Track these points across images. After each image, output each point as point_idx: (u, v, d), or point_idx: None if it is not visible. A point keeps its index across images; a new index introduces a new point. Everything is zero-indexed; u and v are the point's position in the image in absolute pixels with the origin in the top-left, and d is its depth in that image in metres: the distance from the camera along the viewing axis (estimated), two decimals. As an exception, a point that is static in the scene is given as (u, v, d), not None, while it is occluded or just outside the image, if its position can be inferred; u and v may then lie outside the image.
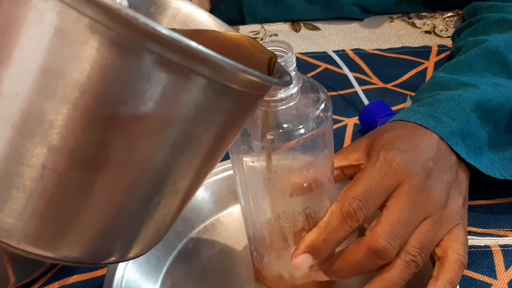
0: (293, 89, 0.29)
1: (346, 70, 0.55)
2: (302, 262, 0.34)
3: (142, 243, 0.25)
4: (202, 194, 0.46)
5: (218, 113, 0.22)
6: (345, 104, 0.57)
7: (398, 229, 0.34)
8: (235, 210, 0.46)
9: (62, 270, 0.43)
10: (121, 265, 0.40)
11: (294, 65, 0.29)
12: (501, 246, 0.40)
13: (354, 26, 0.71)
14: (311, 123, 0.29)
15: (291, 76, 0.26)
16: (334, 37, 0.69)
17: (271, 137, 0.29)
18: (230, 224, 0.45)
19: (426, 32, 0.68)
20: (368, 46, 0.66)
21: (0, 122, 0.20)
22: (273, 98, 0.29)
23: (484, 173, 0.41)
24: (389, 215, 0.34)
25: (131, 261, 0.40)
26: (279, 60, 0.27)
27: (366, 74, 0.61)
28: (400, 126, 0.41)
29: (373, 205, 0.34)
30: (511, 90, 0.43)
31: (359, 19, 0.71)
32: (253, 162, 0.32)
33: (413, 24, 0.70)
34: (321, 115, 0.30)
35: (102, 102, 0.20)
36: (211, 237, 0.44)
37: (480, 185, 0.43)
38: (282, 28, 0.71)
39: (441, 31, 0.68)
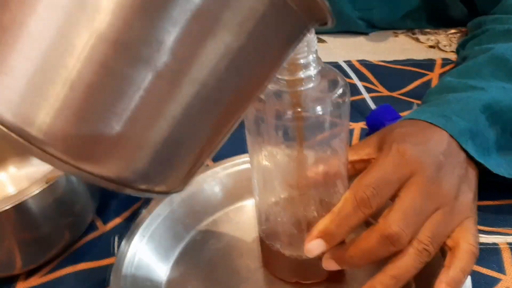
0: (313, 71, 0.30)
1: (353, 76, 0.56)
2: (315, 247, 0.34)
3: (172, 175, 0.25)
4: (211, 188, 0.46)
5: (269, 29, 0.22)
6: (352, 110, 0.57)
7: (411, 217, 0.34)
8: (244, 205, 0.46)
9: (70, 257, 0.43)
10: (130, 254, 0.40)
11: (316, 47, 0.29)
12: (509, 244, 0.40)
13: (360, 39, 0.73)
14: (330, 105, 0.30)
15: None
16: (340, 50, 0.70)
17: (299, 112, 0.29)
18: (239, 218, 0.45)
19: (430, 46, 0.70)
20: (374, 58, 0.67)
21: (56, 8, 0.20)
22: (295, 78, 0.29)
23: (491, 174, 0.42)
24: (402, 204, 0.35)
25: (140, 249, 0.40)
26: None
27: (372, 83, 0.62)
28: (411, 124, 0.41)
29: (386, 194, 0.35)
30: (517, 93, 0.44)
31: (364, 33, 0.73)
32: (270, 148, 0.32)
33: (417, 39, 0.72)
34: (339, 99, 0.31)
35: None
36: (220, 230, 0.44)
37: (487, 186, 0.43)
38: (289, 39, 0.73)
39: (444, 46, 0.69)
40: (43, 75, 0.21)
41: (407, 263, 0.34)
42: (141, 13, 0.20)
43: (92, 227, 0.45)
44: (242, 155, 0.47)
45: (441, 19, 0.74)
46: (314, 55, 0.30)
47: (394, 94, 0.60)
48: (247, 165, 0.46)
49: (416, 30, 0.73)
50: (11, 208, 0.37)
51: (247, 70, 0.23)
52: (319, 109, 0.30)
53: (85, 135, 0.21)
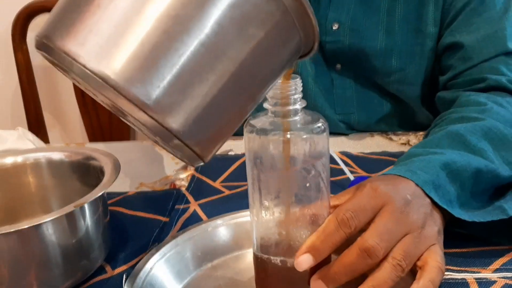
0: (299, 106, 0.39)
1: (335, 156, 0.65)
2: (304, 261, 0.40)
3: (205, 136, 0.32)
4: (212, 237, 0.52)
5: (278, 34, 0.31)
6: (335, 186, 0.65)
7: (384, 235, 0.40)
8: (242, 253, 0.51)
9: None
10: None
11: (301, 88, 0.39)
12: (475, 278, 0.45)
13: (341, 138, 0.83)
14: (312, 132, 0.39)
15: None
16: (324, 146, 0.80)
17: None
18: (237, 265, 0.50)
19: (402, 143, 0.80)
20: (354, 151, 0.77)
21: None
22: (285, 109, 0.38)
23: (455, 225, 0.48)
24: (376, 225, 0.41)
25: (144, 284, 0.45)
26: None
27: (353, 167, 0.70)
28: (381, 176, 0.49)
29: (362, 217, 0.41)
30: (471, 158, 0.53)
31: (345, 134, 0.84)
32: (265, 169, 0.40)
33: (391, 139, 0.82)
34: (319, 129, 0.39)
35: None
36: (218, 274, 0.49)
37: (456, 236, 0.50)
38: (279, 138, 0.83)
39: (414, 143, 0.80)
40: (121, 35, 0.30)
41: (384, 275, 0.39)
42: (194, 1, 0.30)
43: (101, 270, 0.50)
44: (241, 211, 0.53)
45: (410, 124, 0.85)
46: (300, 95, 0.39)
47: (372, 175, 0.68)
48: (246, 219, 0.52)
49: (390, 132, 0.84)
50: (29, 228, 0.42)
51: (262, 62, 0.32)
52: (303, 133, 0.38)
53: (145, 81, 0.30)
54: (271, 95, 0.38)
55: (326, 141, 0.40)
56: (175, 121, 0.30)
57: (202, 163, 0.34)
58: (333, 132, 0.84)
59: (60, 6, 0.32)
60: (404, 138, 0.82)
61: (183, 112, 0.31)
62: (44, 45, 0.30)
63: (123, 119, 0.36)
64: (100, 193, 0.46)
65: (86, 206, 0.46)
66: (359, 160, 0.73)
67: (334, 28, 0.79)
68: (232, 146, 0.80)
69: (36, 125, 1.18)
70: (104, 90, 0.29)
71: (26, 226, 0.41)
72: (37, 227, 0.42)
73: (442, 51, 0.77)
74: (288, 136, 0.38)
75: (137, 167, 0.76)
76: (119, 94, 0.29)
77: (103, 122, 1.21)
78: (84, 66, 0.29)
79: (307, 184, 0.39)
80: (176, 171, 0.73)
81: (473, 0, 0.74)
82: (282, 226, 0.41)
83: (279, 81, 0.38)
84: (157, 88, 0.30)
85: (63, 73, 0.34)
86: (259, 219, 0.42)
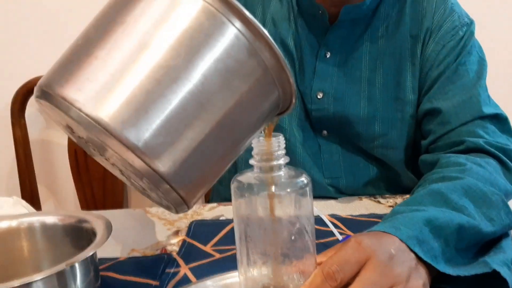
0: (283, 162, 0.41)
1: (324, 218, 0.66)
2: (291, 314, 0.40)
3: (190, 181, 0.33)
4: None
5: (260, 89, 0.34)
6: (323, 247, 0.66)
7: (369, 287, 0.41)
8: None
9: None
10: None
11: (284, 145, 0.41)
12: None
13: (330, 202, 0.85)
14: (296, 186, 0.41)
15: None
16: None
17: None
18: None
19: (390, 206, 0.82)
20: (343, 213, 0.79)
21: (129, 49, 0.33)
22: (270, 165, 0.41)
23: (442, 281, 0.49)
24: (361, 278, 0.42)
25: None
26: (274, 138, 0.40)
27: (342, 229, 0.72)
28: (366, 232, 0.51)
29: (347, 271, 0.43)
30: (453, 214, 0.55)
31: (334, 197, 0.86)
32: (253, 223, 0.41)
33: (379, 202, 0.84)
34: (302, 184, 0.41)
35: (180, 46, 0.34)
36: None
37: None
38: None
39: (401, 205, 0.81)
40: (116, 82, 0.33)
41: (371, 328, 0.40)
42: (183, 54, 0.33)
43: (90, 334, 0.49)
44: (231, 271, 0.54)
45: (397, 187, 0.88)
46: (283, 151, 0.41)
47: (360, 236, 0.69)
48: (236, 279, 0.52)
49: (377, 196, 0.86)
50: (20, 287, 0.42)
51: (244, 112, 0.35)
52: (287, 187, 0.40)
53: (135, 124, 0.32)
54: (256, 152, 0.41)
55: (309, 195, 0.42)
56: (162, 163, 0.33)
57: (186, 209, 0.36)
58: (323, 196, 0.86)
59: (61, 59, 0.35)
60: (391, 201, 0.84)
61: (170, 155, 0.33)
62: (44, 93, 0.33)
63: (112, 171, 0.38)
64: (91, 253, 0.47)
65: (77, 266, 0.46)
66: (348, 222, 0.74)
67: (318, 97, 0.83)
68: (223, 212, 0.81)
69: (30, 198, 1.19)
70: (97, 132, 0.32)
71: (17, 285, 0.42)
72: (28, 286, 0.43)
73: (422, 116, 0.81)
74: (273, 190, 0.40)
75: (129, 234, 0.76)
76: (111, 135, 0.32)
77: (97, 193, 1.22)
78: (80, 110, 0.32)
79: (292, 237, 0.41)
80: (167, 237, 0.74)
81: (447, 70, 0.79)
82: (269, 280, 0.42)
83: (264, 138, 0.40)
84: (146, 131, 0.32)
85: (58, 124, 0.36)
86: (247, 274, 0.43)
